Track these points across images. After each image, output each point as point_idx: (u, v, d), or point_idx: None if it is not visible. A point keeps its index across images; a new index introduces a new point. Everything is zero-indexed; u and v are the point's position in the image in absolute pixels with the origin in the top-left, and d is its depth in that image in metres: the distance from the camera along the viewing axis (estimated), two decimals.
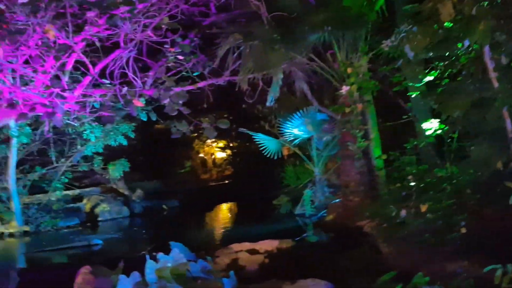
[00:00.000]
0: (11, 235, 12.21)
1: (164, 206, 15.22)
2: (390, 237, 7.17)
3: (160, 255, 5.68)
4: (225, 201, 16.37)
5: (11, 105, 7.28)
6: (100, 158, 13.38)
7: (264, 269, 6.81)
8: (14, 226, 12.30)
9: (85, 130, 11.48)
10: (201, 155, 23.08)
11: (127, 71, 7.67)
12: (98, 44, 7.51)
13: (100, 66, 7.12)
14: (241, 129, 11.66)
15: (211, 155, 23.41)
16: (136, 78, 7.07)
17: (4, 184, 12.44)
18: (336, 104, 9.02)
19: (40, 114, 7.84)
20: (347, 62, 8.37)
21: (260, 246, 7.60)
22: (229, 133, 20.15)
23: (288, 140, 11.21)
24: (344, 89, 8.21)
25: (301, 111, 10.57)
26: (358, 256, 6.88)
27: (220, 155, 23.15)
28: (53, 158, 13.20)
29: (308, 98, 9.96)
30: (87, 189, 14.70)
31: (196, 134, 21.44)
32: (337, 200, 9.75)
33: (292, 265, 6.76)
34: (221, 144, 23.01)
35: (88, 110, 7.83)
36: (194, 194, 17.03)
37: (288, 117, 10.87)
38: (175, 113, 8.27)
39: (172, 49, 7.09)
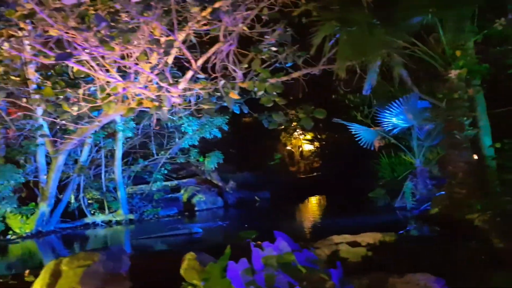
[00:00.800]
0: (118, 222, 13.11)
1: (256, 198, 15.47)
2: (505, 231, 6.63)
3: (265, 243, 5.70)
4: (316, 194, 16.25)
5: (123, 100, 7.79)
6: (196, 150, 13.89)
7: (367, 261, 6.61)
8: (121, 214, 13.19)
9: (183, 124, 11.96)
10: (289, 147, 23.12)
11: (225, 64, 7.83)
12: (194, 39, 7.75)
13: (201, 60, 7.33)
14: (336, 120, 11.42)
15: (299, 148, 23.37)
16: (236, 70, 7.17)
17: (111, 175, 13.40)
18: (440, 90, 8.46)
19: (145, 108, 8.30)
20: (454, 44, 7.81)
21: (361, 239, 7.37)
22: (316, 124, 19.93)
23: (386, 130, 10.79)
24: (453, 73, 7.65)
25: (400, 99, 10.08)
26: (469, 250, 6.45)
27: (307, 147, 23.02)
28: (154, 151, 13.93)
29: (407, 85, 9.46)
30: (184, 180, 15.36)
31: (283, 127, 21.54)
32: (442, 193, 9.19)
33: (397, 258, 6.49)
34: (309, 136, 22.86)
35: (187, 103, 8.11)
36: (284, 186, 17.11)
37: (386, 105, 10.43)
38: (270, 105, 8.32)
39: (273, 39, 7.09)
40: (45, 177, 12.16)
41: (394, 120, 10.43)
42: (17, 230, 11.92)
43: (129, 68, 6.86)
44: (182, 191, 14.95)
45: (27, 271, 7.52)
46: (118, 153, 12.71)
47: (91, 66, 6.45)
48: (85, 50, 5.72)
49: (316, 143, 22.61)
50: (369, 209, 11.55)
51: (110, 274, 6.87)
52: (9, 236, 11.75)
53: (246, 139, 18.93)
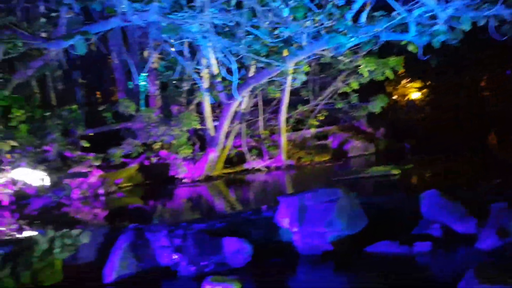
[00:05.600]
0: (277, 168, 13.28)
1: (405, 145, 15.03)
2: None
3: None
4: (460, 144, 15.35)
5: None
6: (356, 95, 13.48)
7: None
8: (279, 160, 13.35)
9: (359, 65, 11.53)
10: (394, 97, 22.20)
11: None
12: None
13: None
14: None
15: (404, 97, 22.39)
16: None
17: (268, 123, 13.51)
18: None
19: None
20: None
21: None
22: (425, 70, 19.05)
23: None
24: None
25: None
26: None
27: (415, 96, 21.95)
28: (311, 97, 13.75)
29: None
30: (331, 127, 15.15)
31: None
32: None
33: None
34: (417, 84, 21.76)
35: None
36: (424, 134, 16.45)
37: None
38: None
39: None
40: (214, 124, 12.42)
41: None
42: (189, 175, 12.41)
43: None
44: (331, 138, 14.83)
45: (264, 206, 7.77)
46: (285, 99, 12.57)
47: None
48: None
49: (425, 90, 21.32)
50: None
51: (352, 211, 6.96)
52: (184, 180, 12.28)
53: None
